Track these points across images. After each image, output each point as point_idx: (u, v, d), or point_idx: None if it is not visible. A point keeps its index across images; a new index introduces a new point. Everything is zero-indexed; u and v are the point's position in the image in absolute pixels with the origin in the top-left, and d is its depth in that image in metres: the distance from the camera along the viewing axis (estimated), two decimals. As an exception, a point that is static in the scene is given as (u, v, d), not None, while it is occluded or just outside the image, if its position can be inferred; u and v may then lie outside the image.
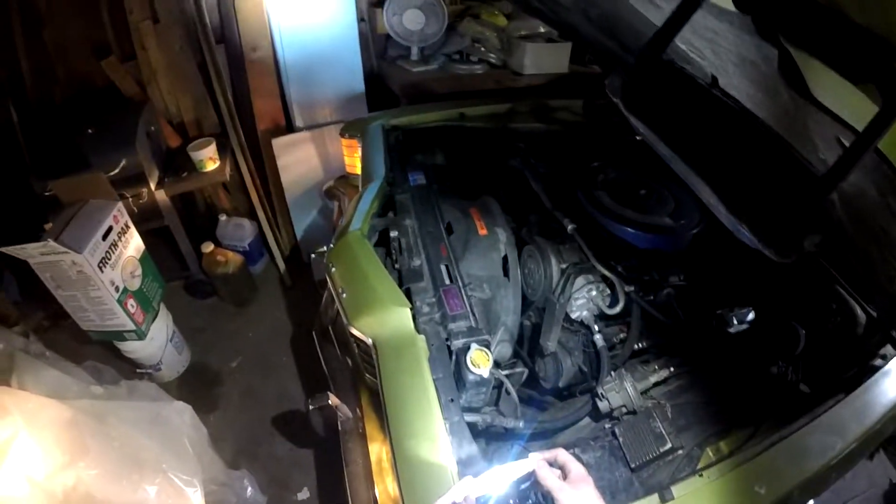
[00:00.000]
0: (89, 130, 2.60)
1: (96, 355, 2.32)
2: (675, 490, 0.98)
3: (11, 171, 2.78)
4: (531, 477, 0.86)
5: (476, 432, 1.21)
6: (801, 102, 0.88)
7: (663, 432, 1.20)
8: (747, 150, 1.32)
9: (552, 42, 2.91)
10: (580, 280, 1.47)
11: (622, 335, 1.49)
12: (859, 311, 1.31)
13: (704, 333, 1.42)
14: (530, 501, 0.89)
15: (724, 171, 1.23)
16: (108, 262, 2.11)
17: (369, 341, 1.26)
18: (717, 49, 1.27)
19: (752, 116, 1.28)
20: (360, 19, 3.05)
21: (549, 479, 0.84)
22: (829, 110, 0.80)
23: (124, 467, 1.54)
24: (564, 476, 0.86)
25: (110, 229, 2.14)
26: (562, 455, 0.88)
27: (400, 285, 1.33)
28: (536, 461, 0.86)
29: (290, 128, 3.06)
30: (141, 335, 2.33)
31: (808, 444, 1.08)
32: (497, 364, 1.31)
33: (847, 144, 0.85)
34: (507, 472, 0.85)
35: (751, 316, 1.36)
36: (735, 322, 1.35)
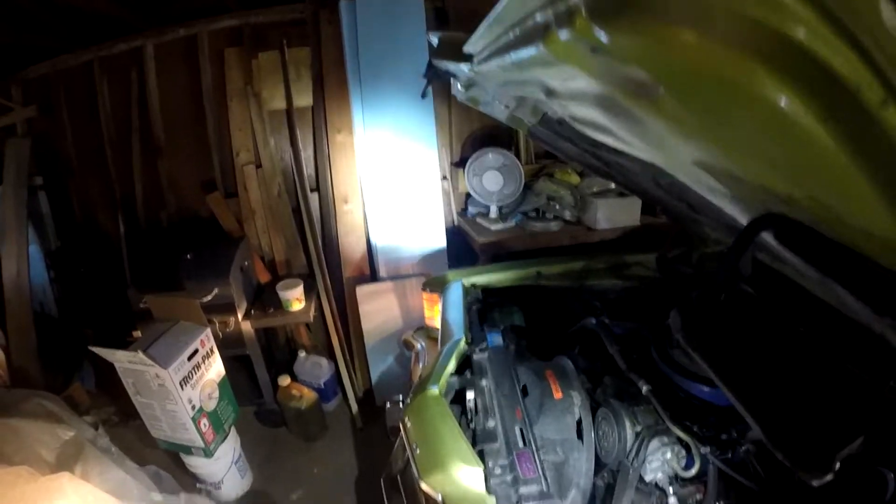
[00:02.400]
0: (188, 256, 2.84)
1: (159, 461, 2.44)
2: None
3: (109, 276, 3.07)
4: None
5: None
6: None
7: None
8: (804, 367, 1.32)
9: (623, 197, 3.02)
10: (655, 443, 1.47)
11: (698, 496, 1.45)
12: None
13: (786, 489, 1.37)
14: None
15: (770, 399, 1.23)
16: (189, 381, 2.25)
17: (439, 498, 1.30)
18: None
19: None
20: (443, 178, 3.29)
21: None
22: None
23: None
24: None
25: (196, 351, 2.31)
26: None
27: (473, 445, 1.37)
28: None
29: (373, 276, 3.24)
30: (208, 454, 2.42)
31: None
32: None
33: None
34: None
35: (836, 466, 1.31)
36: None
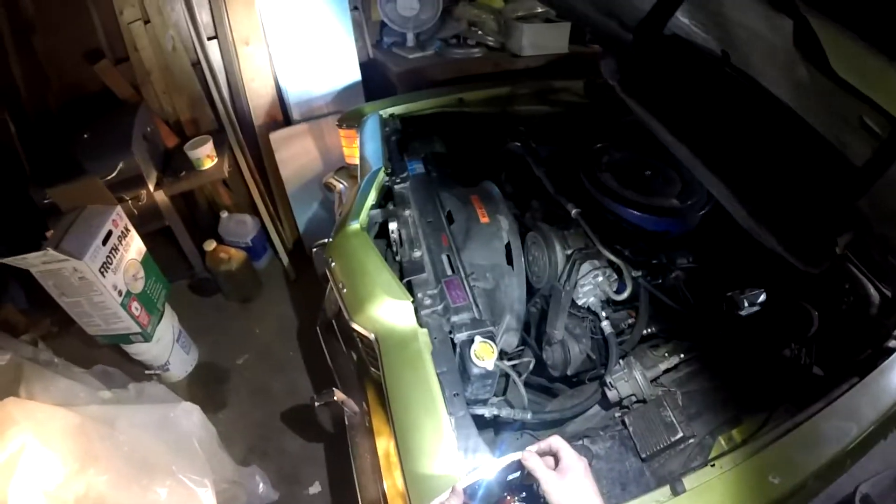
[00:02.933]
0: (85, 136, 2.61)
1: (106, 359, 2.33)
2: (687, 482, 0.95)
3: (11, 181, 2.78)
4: (521, 467, 0.83)
5: (484, 423, 1.20)
6: (819, 79, 0.80)
7: (674, 421, 1.17)
8: (765, 136, 1.24)
9: (550, 22, 2.85)
10: (586, 266, 1.44)
11: (631, 320, 1.46)
12: (873, 290, 1.26)
13: (715, 317, 1.38)
14: (524, 494, 0.85)
15: (738, 164, 1.16)
16: (109, 267, 2.10)
17: (371, 336, 1.24)
18: (721, 22, 1.19)
19: (770, 97, 1.20)
20: (353, 7, 3.00)
21: (538, 468, 0.80)
22: (853, 87, 0.72)
23: (134, 471, 1.54)
24: (556, 464, 0.83)
25: (110, 234, 2.14)
26: (555, 442, 0.84)
27: (401, 278, 1.31)
28: (525, 451, 0.83)
29: (287, 121, 3.03)
30: (147, 337, 2.33)
31: (822, 430, 1.04)
32: (504, 353, 1.28)
33: (874, 127, 0.78)
34: (497, 464, 0.83)
35: (762, 298, 1.33)
36: (746, 304, 1.32)
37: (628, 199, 1.56)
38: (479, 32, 2.92)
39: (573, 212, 1.53)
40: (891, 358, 1.14)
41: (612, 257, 1.42)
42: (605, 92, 2.16)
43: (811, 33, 0.68)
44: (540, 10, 2.90)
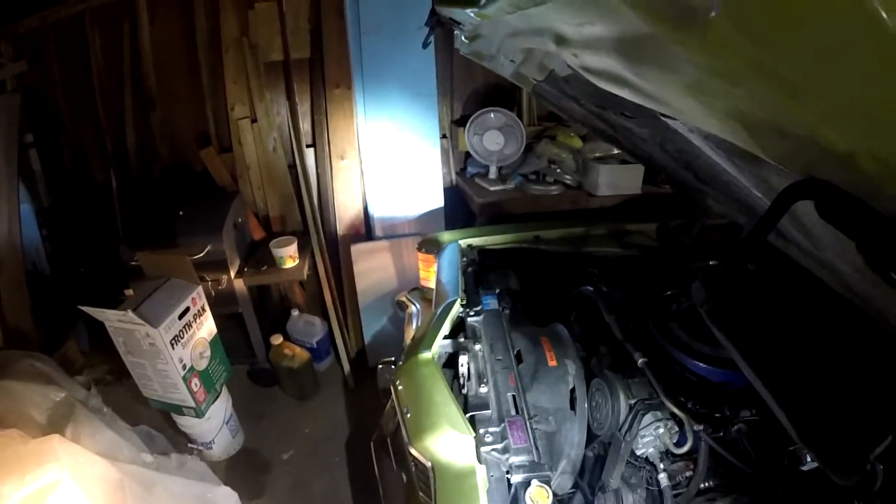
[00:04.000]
0: (181, 212, 2.79)
1: (151, 420, 2.45)
2: None
3: (102, 233, 3.03)
4: None
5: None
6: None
7: (727, 582, 1.13)
8: (834, 349, 1.26)
9: (626, 164, 2.96)
10: (648, 417, 1.44)
11: (688, 473, 1.43)
12: None
13: (776, 472, 1.34)
14: None
15: (797, 377, 1.17)
16: (180, 340, 2.22)
17: (428, 465, 1.27)
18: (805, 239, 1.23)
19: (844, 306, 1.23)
20: (443, 136, 3.23)
21: None
22: None
23: None
24: None
25: (187, 310, 2.27)
26: None
27: (465, 412, 1.34)
28: None
29: (369, 235, 3.20)
30: (199, 413, 2.41)
31: None
32: (556, 496, 1.28)
33: None
34: None
35: None
36: (808, 459, 1.28)
37: (695, 351, 1.56)
38: (558, 170, 3.05)
39: (639, 361, 1.55)
40: None
41: (676, 410, 1.42)
42: (677, 235, 2.22)
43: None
44: (616, 151, 3.03)
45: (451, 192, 3.31)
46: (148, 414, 2.58)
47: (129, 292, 2.33)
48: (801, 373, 1.19)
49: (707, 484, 1.40)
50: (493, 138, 3.04)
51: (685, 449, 1.39)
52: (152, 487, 1.68)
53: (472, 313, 1.69)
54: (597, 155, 3.05)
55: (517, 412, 1.36)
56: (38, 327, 2.82)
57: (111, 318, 2.11)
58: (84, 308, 2.10)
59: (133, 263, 2.60)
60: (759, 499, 1.34)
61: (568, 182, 3.06)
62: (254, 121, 3.11)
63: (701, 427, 1.42)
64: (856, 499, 1.27)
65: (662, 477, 1.36)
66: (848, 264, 1.05)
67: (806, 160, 0.56)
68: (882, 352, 1.10)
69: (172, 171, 3.24)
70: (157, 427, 2.37)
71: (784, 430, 1.44)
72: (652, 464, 1.41)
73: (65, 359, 2.79)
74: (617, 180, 2.93)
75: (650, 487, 1.41)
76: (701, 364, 1.54)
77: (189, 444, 2.61)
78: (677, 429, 1.45)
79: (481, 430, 1.30)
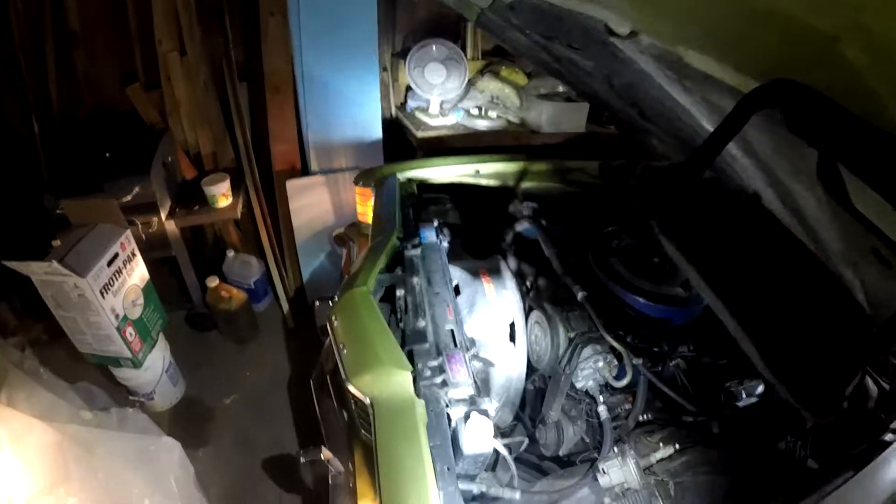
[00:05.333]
0: (107, 154, 2.63)
1: (91, 376, 2.34)
2: None
3: (27, 185, 2.82)
4: None
5: (471, 498, 1.17)
6: (838, 213, 0.81)
7: (665, 512, 1.15)
8: (788, 281, 1.26)
9: (570, 101, 2.92)
10: (588, 350, 1.44)
11: (627, 406, 1.45)
12: (871, 383, 1.25)
13: (712, 407, 1.37)
14: None
15: (758, 308, 1.16)
16: (110, 289, 2.11)
17: (367, 401, 1.23)
18: (747, 149, 1.21)
19: (796, 241, 1.22)
20: (383, 69, 3.10)
21: None
22: (870, 222, 0.73)
23: (106, 500, 1.51)
24: None
25: (116, 256, 2.16)
26: None
27: (402, 346, 1.30)
28: None
29: (305, 171, 3.09)
30: (137, 364, 2.32)
31: None
32: (497, 429, 1.27)
33: (887, 257, 0.78)
34: None
35: (760, 389, 1.32)
36: (744, 396, 1.31)
37: (635, 286, 1.56)
38: (501, 106, 2.99)
39: (579, 295, 1.54)
40: (886, 451, 1.12)
41: (615, 343, 1.42)
42: (619, 174, 2.21)
43: (835, 168, 0.69)
44: (561, 88, 2.99)
45: (391, 126, 3.19)
46: (87, 371, 2.47)
47: (57, 243, 2.18)
48: (764, 303, 1.19)
49: (645, 417, 1.42)
50: (434, 71, 2.92)
51: (624, 382, 1.40)
52: (92, 446, 1.60)
53: (409, 246, 1.64)
54: (541, 92, 3.00)
55: (455, 345, 1.33)
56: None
57: (37, 272, 1.98)
58: (9, 263, 1.96)
59: (59, 212, 2.45)
60: (696, 432, 1.37)
61: (511, 118, 3.01)
62: (183, 54, 2.89)
63: (640, 361, 1.43)
64: (788, 433, 1.31)
65: (602, 409, 1.37)
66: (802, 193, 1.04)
67: (775, 58, 0.51)
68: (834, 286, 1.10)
69: (98, 114, 3.00)
70: (98, 383, 2.26)
71: (724, 366, 1.48)
72: (592, 397, 1.42)
73: None
74: (561, 118, 2.89)
75: (590, 420, 1.43)
76: (640, 299, 1.55)
77: (130, 397, 2.52)
78: (616, 362, 1.46)
79: (419, 365, 1.26)
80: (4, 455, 1.41)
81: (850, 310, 1.08)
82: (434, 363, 1.27)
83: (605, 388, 1.45)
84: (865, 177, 0.61)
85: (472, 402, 1.19)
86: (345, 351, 1.34)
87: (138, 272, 2.35)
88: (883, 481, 1.08)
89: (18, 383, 1.72)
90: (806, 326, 1.15)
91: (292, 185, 2.97)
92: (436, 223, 1.80)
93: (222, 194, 2.81)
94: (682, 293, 1.58)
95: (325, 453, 1.47)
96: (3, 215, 2.90)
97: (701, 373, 1.48)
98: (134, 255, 2.31)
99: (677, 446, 1.32)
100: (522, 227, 1.85)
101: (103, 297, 2.07)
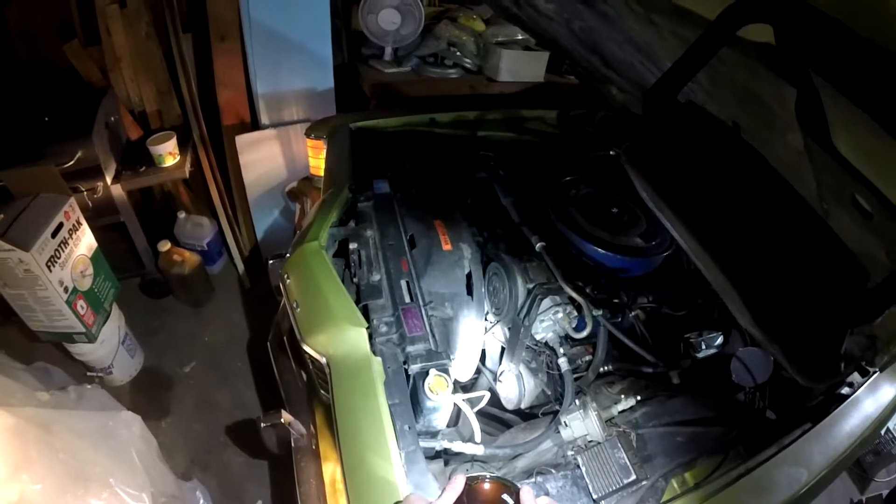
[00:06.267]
0: (45, 118, 2.49)
1: (48, 355, 2.26)
2: None
3: None
4: None
5: (434, 453, 1.17)
6: (817, 153, 0.78)
7: (627, 463, 1.15)
8: (775, 227, 1.23)
9: (529, 50, 2.87)
10: (547, 301, 1.42)
11: (588, 357, 1.44)
12: None
13: (672, 358, 1.38)
14: None
15: (744, 256, 1.13)
16: (57, 261, 2.01)
17: (323, 360, 1.20)
18: (715, 80, 1.15)
19: (778, 177, 1.19)
20: (335, 15, 2.97)
21: None
22: (850, 165, 0.70)
23: (69, 481, 1.47)
24: None
25: (61, 226, 2.04)
26: (526, 499, 0.80)
27: (357, 302, 1.27)
28: None
29: (255, 125, 2.95)
30: (91, 337, 2.23)
31: (774, 477, 1.04)
32: (457, 383, 1.25)
33: (865, 205, 0.76)
34: None
35: (719, 341, 1.34)
36: (703, 347, 1.32)
37: (593, 236, 1.55)
38: (458, 53, 2.91)
39: (537, 245, 1.51)
40: (843, 405, 1.14)
41: (574, 294, 1.41)
42: (577, 124, 2.17)
43: (817, 105, 0.65)
44: (520, 36, 2.92)
45: (344, 75, 3.07)
46: (44, 350, 2.38)
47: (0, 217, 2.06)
48: (747, 251, 1.16)
49: (606, 368, 1.42)
50: (389, 17, 2.80)
51: (584, 334, 1.39)
52: (51, 427, 1.55)
53: (362, 199, 1.59)
54: (499, 39, 2.92)
55: (412, 299, 1.29)
56: None
57: None
58: None
59: None
60: (656, 384, 1.37)
61: (468, 66, 2.93)
62: (123, 6, 2.71)
63: (600, 312, 1.42)
64: (743, 393, 1.33)
65: (562, 361, 1.36)
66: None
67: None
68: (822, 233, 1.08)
69: (34, 74, 2.81)
70: (55, 361, 2.16)
71: (683, 317, 1.48)
72: (552, 348, 1.41)
73: None
74: (519, 66, 2.83)
75: (550, 371, 1.41)
76: (599, 249, 1.53)
77: (88, 374, 2.43)
78: (576, 314, 1.44)
79: (375, 320, 1.23)
80: None
81: (842, 260, 1.06)
82: (390, 318, 1.24)
83: (566, 339, 1.43)
84: (858, 98, 0.57)
85: (430, 357, 1.16)
86: (298, 309, 1.31)
87: (85, 241, 2.23)
88: (840, 434, 1.11)
89: None
90: (795, 278, 1.13)
91: (242, 140, 2.83)
92: (389, 174, 1.74)
93: (169, 153, 2.68)
94: (640, 243, 1.57)
95: (286, 416, 1.43)
96: None
97: (660, 324, 1.49)
98: (80, 223, 2.20)
99: (638, 398, 1.32)
100: (479, 175, 1.81)
101: (50, 270, 1.98)
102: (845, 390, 1.18)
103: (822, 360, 0.99)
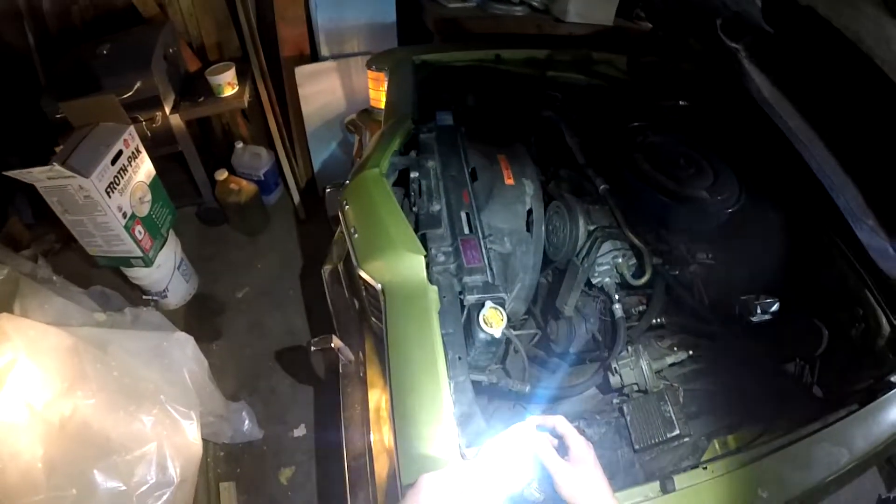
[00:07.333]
0: (104, 51, 2.52)
1: (105, 280, 2.34)
2: (678, 481, 0.94)
3: (24, 91, 2.71)
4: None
5: (479, 389, 1.16)
6: None
7: (672, 417, 1.15)
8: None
9: (600, -11, 2.74)
10: (607, 245, 1.39)
11: (642, 307, 1.42)
12: (885, 321, 1.23)
13: (726, 319, 1.34)
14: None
15: (870, 167, 1.07)
16: (116, 188, 2.06)
17: (378, 286, 1.19)
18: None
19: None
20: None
21: (549, 456, 0.77)
22: None
23: (122, 397, 1.53)
24: (564, 448, 0.79)
25: (120, 153, 2.09)
26: (561, 426, 0.81)
27: (416, 230, 1.25)
28: (535, 434, 0.79)
29: (314, 56, 2.93)
30: (147, 262, 2.30)
31: (815, 453, 1.02)
32: (509, 320, 1.24)
33: None
34: (505, 445, 0.80)
35: (775, 307, 1.29)
36: (759, 311, 1.28)
37: (659, 184, 1.49)
38: (526, -10, 2.80)
39: (601, 187, 1.47)
40: (891, 392, 1.11)
41: (635, 240, 1.37)
42: (649, 71, 2.09)
43: None
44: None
45: (406, 8, 2.98)
46: (101, 275, 2.46)
47: (60, 148, 2.10)
48: (860, 149, 1.09)
49: (659, 320, 1.38)
50: (455, -51, 2.73)
51: (642, 281, 1.36)
52: (107, 346, 1.61)
53: (424, 129, 1.56)
54: (569, -22, 2.80)
55: (471, 231, 1.28)
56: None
57: (40, 178, 1.92)
58: (10, 173, 1.90)
59: (59, 116, 2.36)
60: (708, 342, 1.34)
61: (535, 4, 2.82)
62: None
63: (659, 261, 1.38)
64: (798, 356, 1.29)
65: (617, 308, 1.33)
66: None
67: None
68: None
69: (93, 14, 2.82)
70: (112, 286, 2.24)
71: (741, 278, 1.43)
72: (607, 294, 1.37)
73: (9, 236, 2.60)
74: (589, 7, 2.70)
75: (603, 318, 1.39)
76: (663, 198, 1.48)
77: (144, 297, 2.53)
78: (635, 260, 1.41)
79: (433, 249, 1.22)
80: (22, 362, 1.42)
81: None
82: (448, 248, 1.22)
83: (621, 286, 1.40)
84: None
85: (486, 289, 1.14)
86: (356, 235, 1.30)
87: (144, 169, 2.28)
88: (885, 421, 1.08)
89: (31, 293, 1.72)
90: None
91: (301, 71, 2.83)
92: (453, 107, 1.71)
93: (228, 83, 2.70)
94: (705, 196, 1.51)
95: (336, 342, 1.45)
96: (5, 128, 2.81)
97: (718, 282, 1.45)
98: (139, 151, 2.24)
99: (690, 353, 1.30)
100: (545, 114, 1.76)
101: (109, 196, 2.03)
102: (895, 378, 1.15)
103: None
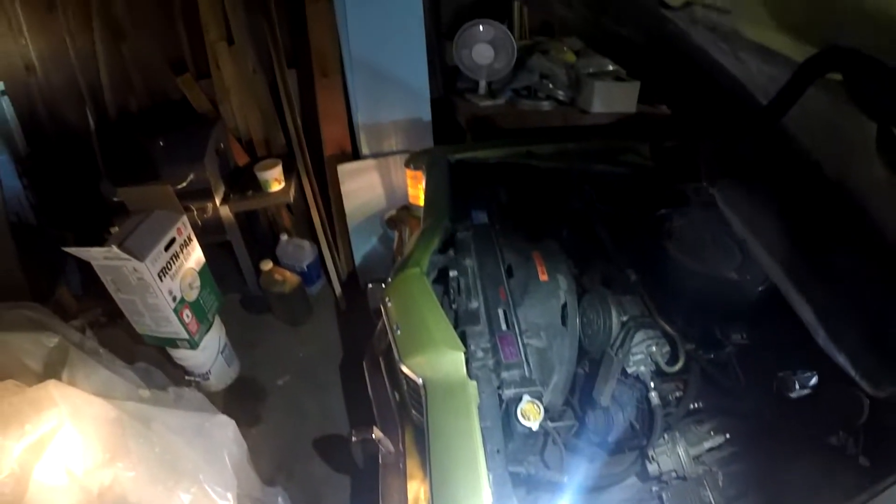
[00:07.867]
0: (161, 143, 2.71)
1: (148, 356, 2.40)
2: None
3: (84, 175, 2.92)
4: None
5: (517, 480, 1.18)
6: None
7: (712, 502, 1.15)
8: (851, 251, 1.21)
9: (621, 80, 2.87)
10: (640, 335, 1.42)
11: (678, 393, 1.44)
12: None
13: (764, 397, 1.35)
14: None
15: (823, 281, 1.12)
16: (168, 272, 2.18)
17: (419, 381, 1.25)
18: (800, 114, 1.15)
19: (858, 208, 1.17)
20: (430, 50, 3.08)
21: None
22: None
23: (162, 472, 1.57)
24: None
25: (173, 241, 2.21)
26: None
27: (455, 327, 1.31)
28: None
29: (355, 154, 3.10)
30: (193, 345, 2.39)
31: None
32: (546, 412, 1.28)
33: None
34: None
35: (814, 381, 1.29)
36: (797, 386, 1.28)
37: (688, 269, 1.54)
38: (550, 86, 2.95)
39: (632, 278, 1.53)
40: None
41: (668, 328, 1.41)
42: (670, 156, 2.16)
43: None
44: (611, 67, 2.94)
45: (440, 107, 3.17)
46: (145, 351, 2.55)
47: (115, 229, 2.26)
48: (821, 263, 1.14)
49: (696, 405, 1.41)
50: (482, 52, 2.90)
51: (676, 368, 1.39)
52: (150, 422, 1.67)
53: (461, 228, 1.64)
54: (590, 71, 2.95)
55: (508, 327, 1.34)
56: (28, 277, 2.72)
57: (97, 256, 2.06)
58: (69, 249, 2.05)
59: (116, 200, 2.54)
60: (747, 423, 1.35)
61: (560, 98, 2.96)
62: (231, 42, 2.94)
63: (693, 346, 1.41)
64: (840, 428, 1.28)
65: (653, 395, 1.36)
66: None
67: (835, 28, 0.49)
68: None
69: (150, 104, 3.08)
70: (155, 363, 2.32)
71: (777, 355, 1.45)
72: (643, 382, 1.40)
73: (58, 305, 2.73)
74: (611, 97, 2.83)
75: (640, 406, 1.41)
76: (693, 282, 1.52)
77: (186, 377, 2.62)
78: (669, 348, 1.44)
79: (472, 345, 1.27)
80: (65, 429, 1.47)
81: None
82: (486, 344, 1.27)
83: (657, 374, 1.43)
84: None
85: (523, 383, 1.19)
86: (398, 331, 1.36)
87: (195, 256, 2.40)
88: None
89: (79, 362, 1.79)
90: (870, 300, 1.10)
91: (343, 168, 2.98)
92: (487, 205, 1.80)
93: (275, 179, 2.86)
94: (734, 277, 1.55)
95: (376, 433, 1.50)
96: (68, 208, 3.02)
97: (754, 361, 1.46)
98: (190, 239, 2.37)
99: (728, 436, 1.31)
100: (575, 207, 1.83)
101: (161, 280, 2.14)
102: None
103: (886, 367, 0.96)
